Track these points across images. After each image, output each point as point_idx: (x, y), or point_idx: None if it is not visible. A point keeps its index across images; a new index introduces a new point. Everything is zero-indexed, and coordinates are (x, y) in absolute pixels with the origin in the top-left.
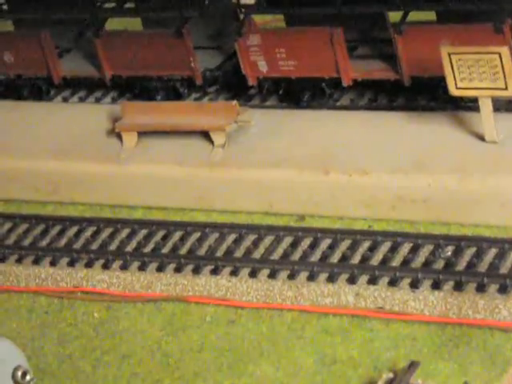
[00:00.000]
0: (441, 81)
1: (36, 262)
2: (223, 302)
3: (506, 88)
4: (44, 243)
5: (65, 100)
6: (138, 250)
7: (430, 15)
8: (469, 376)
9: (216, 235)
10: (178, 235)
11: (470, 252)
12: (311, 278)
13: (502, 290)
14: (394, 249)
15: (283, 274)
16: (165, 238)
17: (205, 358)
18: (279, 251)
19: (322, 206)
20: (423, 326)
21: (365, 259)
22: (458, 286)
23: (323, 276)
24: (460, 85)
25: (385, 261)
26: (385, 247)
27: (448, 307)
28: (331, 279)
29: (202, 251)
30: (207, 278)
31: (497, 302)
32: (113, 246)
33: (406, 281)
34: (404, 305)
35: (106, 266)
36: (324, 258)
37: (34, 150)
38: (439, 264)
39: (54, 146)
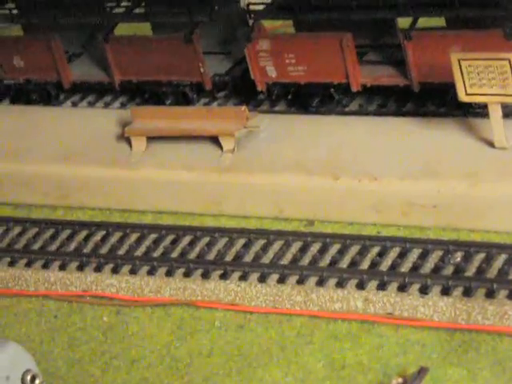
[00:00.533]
0: (450, 87)
1: (45, 266)
2: (232, 307)
3: None
4: (53, 247)
5: (74, 105)
6: (147, 255)
7: (440, 21)
8: (478, 382)
9: (225, 240)
10: (187, 240)
11: (479, 258)
12: (320, 283)
13: None
14: (403, 254)
15: (292, 279)
16: (174, 242)
17: (214, 362)
18: (288, 256)
19: (331, 212)
20: (432, 332)
21: (374, 265)
22: (468, 292)
23: (332, 281)
24: (469, 91)
25: (394, 266)
26: (394, 253)
27: (457, 313)
28: (340, 284)
29: (211, 256)
30: (216, 282)
31: (506, 308)
32: (122, 251)
33: (416, 286)
34: (413, 310)
35: (115, 271)
36: (333, 263)
37: (43, 155)
38: (448, 270)
39: (63, 150)
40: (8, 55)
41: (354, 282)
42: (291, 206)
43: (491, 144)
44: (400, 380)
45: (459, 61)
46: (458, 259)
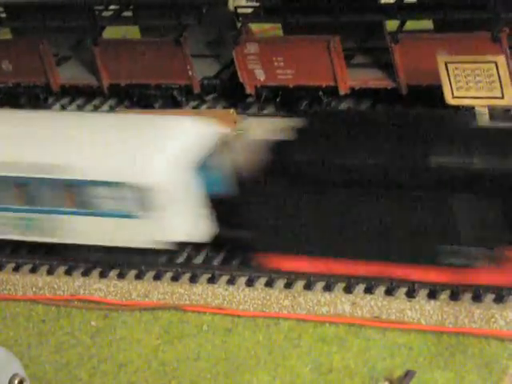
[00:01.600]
0: (438, 89)
1: (33, 270)
2: (220, 311)
3: (503, 97)
4: (41, 252)
5: (63, 108)
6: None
7: (428, 24)
8: None
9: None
10: None
11: None
12: (308, 286)
13: (498, 299)
14: None
15: (280, 283)
16: None
17: (201, 366)
18: None
19: None
20: (419, 335)
21: None
22: (454, 296)
23: (320, 285)
24: (456, 94)
25: None
26: None
27: (444, 316)
28: (328, 288)
29: (198, 260)
30: (204, 286)
31: (493, 312)
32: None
33: (403, 290)
34: (400, 314)
35: (103, 275)
36: None
37: None
38: None
39: None
40: None
41: (341, 285)
42: None
43: None
44: (387, 383)
45: (446, 64)
46: None
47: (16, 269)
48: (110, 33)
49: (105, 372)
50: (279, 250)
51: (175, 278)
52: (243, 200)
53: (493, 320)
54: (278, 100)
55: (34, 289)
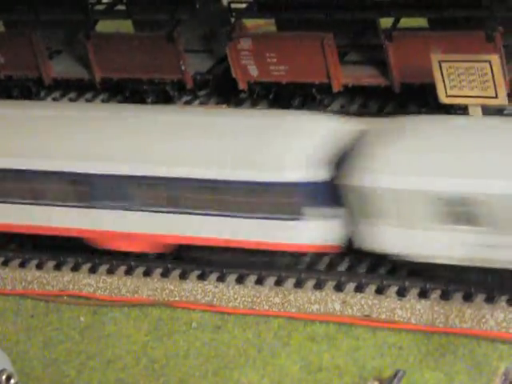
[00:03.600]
0: (431, 88)
1: (22, 264)
2: (210, 308)
3: (496, 96)
4: (30, 246)
5: (55, 101)
6: (124, 254)
7: (422, 22)
8: None
9: None
10: None
11: None
12: (298, 284)
13: (489, 300)
14: (381, 256)
15: (270, 281)
16: None
17: (190, 364)
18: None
19: None
20: (410, 335)
21: (352, 267)
22: (445, 295)
23: (310, 283)
24: (450, 93)
25: (372, 268)
26: (372, 255)
27: (435, 316)
28: (318, 286)
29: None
30: (194, 283)
31: (484, 312)
32: (99, 250)
33: (393, 289)
34: (391, 313)
35: (92, 270)
36: (311, 264)
37: None
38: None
39: None
40: None
41: (332, 283)
42: None
43: None
44: (376, 383)
45: (440, 62)
46: None
47: (5, 263)
48: (103, 27)
49: (93, 368)
50: None
51: (165, 274)
52: None
53: (483, 320)
54: (270, 96)
55: (22, 283)
